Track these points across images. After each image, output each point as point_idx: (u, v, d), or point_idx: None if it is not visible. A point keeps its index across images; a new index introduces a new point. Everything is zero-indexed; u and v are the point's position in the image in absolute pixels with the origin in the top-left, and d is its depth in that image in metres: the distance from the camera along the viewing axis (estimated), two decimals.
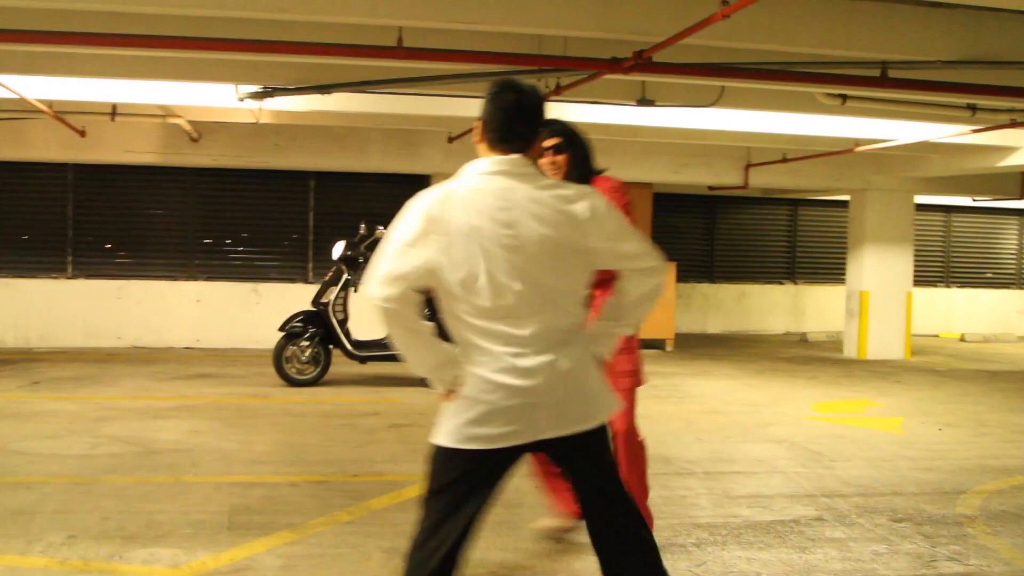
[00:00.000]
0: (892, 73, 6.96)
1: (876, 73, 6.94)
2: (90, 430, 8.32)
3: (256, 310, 14.59)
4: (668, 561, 5.28)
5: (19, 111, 11.28)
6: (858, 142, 11.95)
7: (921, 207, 17.55)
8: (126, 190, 14.66)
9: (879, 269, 15.57)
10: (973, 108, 9.23)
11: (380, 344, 11.21)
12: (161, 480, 6.70)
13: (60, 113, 11.30)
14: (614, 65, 6.72)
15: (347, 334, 11.24)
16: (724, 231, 19.29)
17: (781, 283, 19.45)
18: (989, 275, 20.57)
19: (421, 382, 11.36)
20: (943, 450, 8.41)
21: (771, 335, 19.06)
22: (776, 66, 7.22)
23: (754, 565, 5.23)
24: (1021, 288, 20.75)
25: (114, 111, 11.50)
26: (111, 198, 14.59)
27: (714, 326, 19.10)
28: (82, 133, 12.53)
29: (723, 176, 15.15)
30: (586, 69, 7.14)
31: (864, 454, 8.16)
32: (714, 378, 12.74)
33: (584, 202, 3.37)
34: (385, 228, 11.22)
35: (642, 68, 6.63)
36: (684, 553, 5.37)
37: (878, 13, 7.20)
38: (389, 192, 15.27)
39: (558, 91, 7.83)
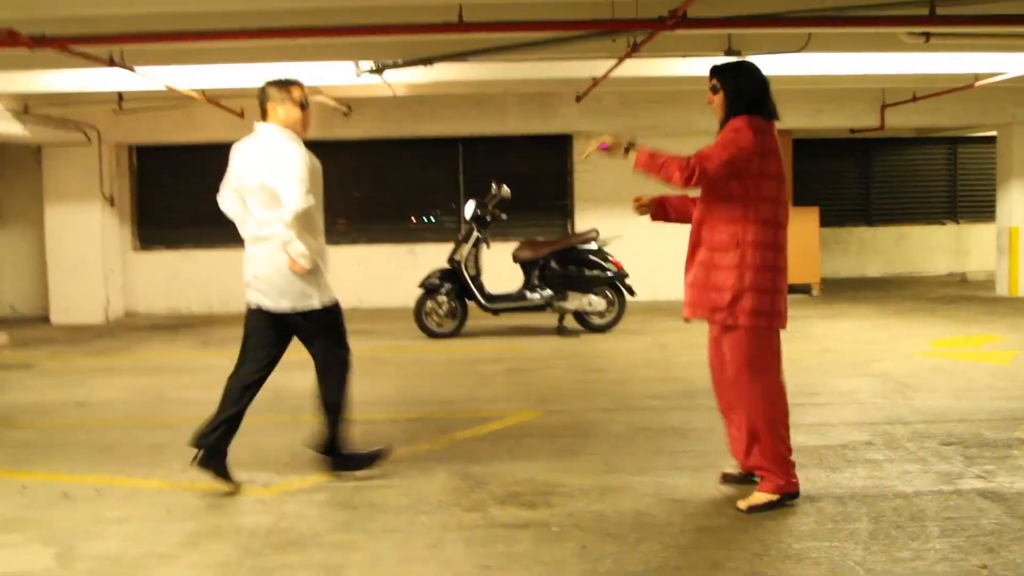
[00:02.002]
0: (940, 10, 7.13)
1: (925, 12, 7.14)
2: None
3: (413, 270, 15.53)
4: (694, 476, 5.81)
5: (184, 98, 12.46)
6: (977, 77, 11.83)
7: None
8: None
9: None
10: None
11: (511, 297, 11.93)
12: (281, 420, 7.63)
13: (213, 98, 12.46)
14: (659, 24, 7.17)
15: (480, 288, 11.96)
16: (880, 173, 19.11)
17: (942, 223, 19.13)
18: None
19: (555, 331, 12.08)
20: None
21: (931, 276, 18.81)
22: (829, 11, 7.50)
23: None
24: None
25: None
26: None
27: (873, 269, 19.00)
28: (240, 114, 13.69)
29: (860, 119, 15.11)
30: (636, 29, 7.63)
31: (953, 385, 8.35)
32: (846, 319, 12.90)
33: (263, 147, 5.52)
34: (509, 188, 11.97)
35: (682, 24, 7.05)
36: (712, 471, 5.83)
37: None
38: (532, 153, 16.02)
39: (636, 48, 8.31)
